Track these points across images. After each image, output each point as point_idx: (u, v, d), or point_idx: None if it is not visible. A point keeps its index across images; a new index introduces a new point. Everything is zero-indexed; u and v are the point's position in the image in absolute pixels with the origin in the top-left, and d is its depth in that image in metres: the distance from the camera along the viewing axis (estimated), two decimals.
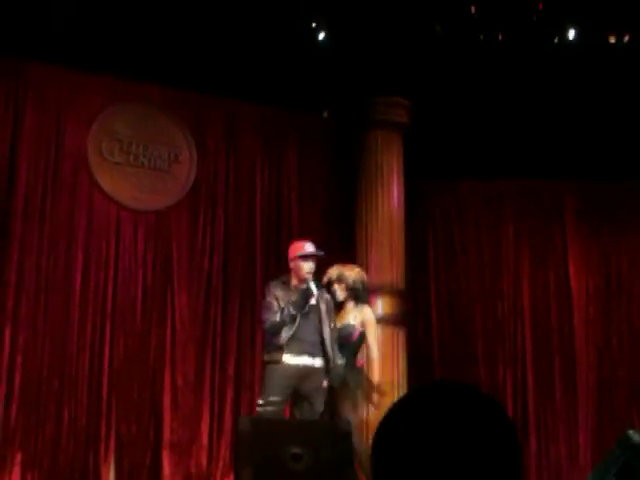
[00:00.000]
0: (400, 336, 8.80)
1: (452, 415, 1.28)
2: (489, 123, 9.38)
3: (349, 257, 9.09)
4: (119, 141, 8.69)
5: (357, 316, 7.13)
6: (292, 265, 6.99)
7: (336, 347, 6.85)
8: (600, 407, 9.91)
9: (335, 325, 6.93)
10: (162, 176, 8.84)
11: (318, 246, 6.99)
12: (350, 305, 7.17)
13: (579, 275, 10.19)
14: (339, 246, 9.33)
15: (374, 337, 7.17)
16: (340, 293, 7.13)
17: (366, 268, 8.82)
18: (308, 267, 6.91)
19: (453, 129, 9.44)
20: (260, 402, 6.64)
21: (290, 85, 8.83)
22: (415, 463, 1.25)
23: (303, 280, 6.87)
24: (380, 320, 8.70)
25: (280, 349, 6.69)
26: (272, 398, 6.59)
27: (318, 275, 7.06)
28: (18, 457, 7.71)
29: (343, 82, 8.89)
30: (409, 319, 9.11)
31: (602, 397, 9.94)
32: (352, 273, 7.24)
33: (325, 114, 9.52)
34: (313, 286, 6.82)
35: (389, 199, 9.02)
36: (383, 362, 8.57)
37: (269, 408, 6.54)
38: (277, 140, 9.44)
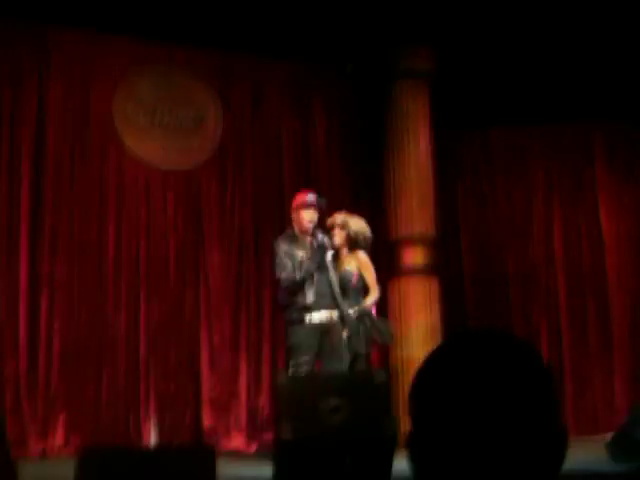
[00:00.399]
0: (432, 285, 8.81)
1: (489, 363, 1.30)
2: (515, 69, 9.28)
3: (378, 208, 9.13)
4: (144, 103, 8.71)
5: (352, 261, 7.11)
6: (294, 216, 6.99)
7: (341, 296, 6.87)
8: (635, 350, 9.90)
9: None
10: (189, 136, 8.86)
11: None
12: (344, 252, 7.13)
13: (611, 218, 10.14)
14: (368, 198, 9.36)
15: (372, 278, 7.15)
16: (338, 238, 7.05)
17: (395, 218, 8.85)
18: (308, 216, 6.89)
19: (480, 77, 9.35)
20: (292, 364, 6.68)
21: (314, 39, 8.77)
22: (453, 410, 1.28)
23: (305, 231, 6.87)
24: (412, 270, 8.74)
25: (305, 308, 6.71)
26: (303, 358, 6.63)
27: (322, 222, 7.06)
28: (61, 419, 7.83)
29: (367, 33, 8.83)
30: (441, 268, 9.11)
31: (637, 341, 9.92)
32: (356, 224, 7.19)
33: (350, 67, 9.46)
34: (326, 239, 6.82)
35: (417, 148, 8.98)
36: (417, 312, 8.63)
37: (302, 368, 6.59)
38: (303, 95, 9.42)
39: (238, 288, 8.82)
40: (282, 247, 6.90)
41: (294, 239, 6.92)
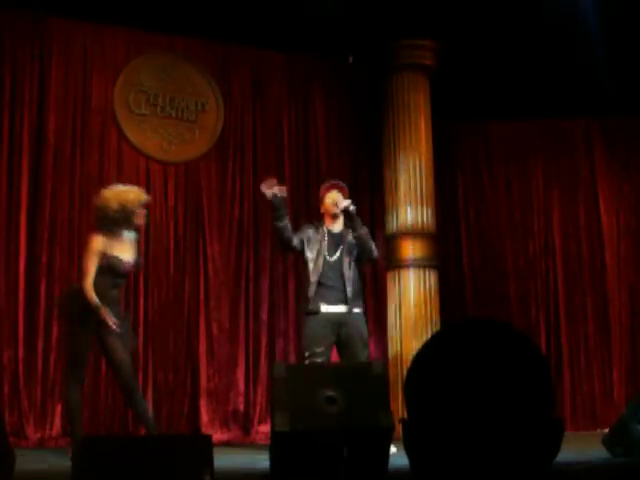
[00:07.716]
0: (432, 279, 8.81)
1: (485, 351, 1.30)
2: (516, 63, 9.27)
3: (378, 200, 9.14)
4: (145, 93, 8.72)
5: None
6: (322, 208, 7.03)
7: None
8: (633, 344, 9.90)
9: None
10: (190, 127, 8.87)
11: (348, 190, 7.01)
12: None
13: (610, 212, 10.14)
14: (368, 189, 9.35)
15: None
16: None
17: (396, 211, 8.85)
18: (330, 199, 6.94)
19: (480, 70, 9.34)
20: (306, 354, 6.66)
21: (314, 31, 8.75)
22: (448, 399, 1.28)
23: (333, 215, 6.90)
24: (412, 263, 8.74)
25: (311, 299, 6.70)
26: (317, 349, 6.61)
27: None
28: (58, 409, 7.84)
29: (368, 25, 8.81)
30: (440, 261, 9.11)
31: (635, 334, 9.93)
32: None
33: (351, 59, 9.46)
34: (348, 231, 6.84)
35: (417, 141, 8.99)
36: (415, 304, 8.63)
37: (316, 359, 6.57)
38: (303, 86, 9.43)
39: (237, 279, 8.83)
40: (302, 228, 7.00)
41: (318, 229, 6.94)
